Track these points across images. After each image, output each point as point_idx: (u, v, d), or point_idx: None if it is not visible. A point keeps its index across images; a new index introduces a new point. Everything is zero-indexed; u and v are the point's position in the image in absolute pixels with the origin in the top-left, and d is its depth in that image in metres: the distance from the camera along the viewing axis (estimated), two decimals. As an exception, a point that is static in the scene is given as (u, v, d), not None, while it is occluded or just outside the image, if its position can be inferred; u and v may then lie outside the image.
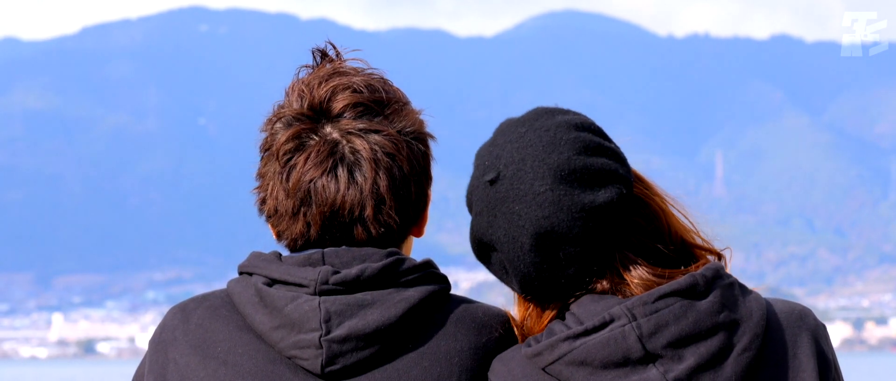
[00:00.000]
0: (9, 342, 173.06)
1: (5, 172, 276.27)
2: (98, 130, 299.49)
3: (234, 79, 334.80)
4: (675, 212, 2.34)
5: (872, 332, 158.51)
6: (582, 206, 2.22)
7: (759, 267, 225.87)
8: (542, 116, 2.30)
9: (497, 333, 2.35)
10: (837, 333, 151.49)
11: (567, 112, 2.32)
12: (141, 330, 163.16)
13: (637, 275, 2.26)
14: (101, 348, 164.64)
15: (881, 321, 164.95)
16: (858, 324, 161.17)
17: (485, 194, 2.29)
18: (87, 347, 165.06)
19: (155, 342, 2.38)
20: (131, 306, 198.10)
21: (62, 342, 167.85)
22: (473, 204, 2.33)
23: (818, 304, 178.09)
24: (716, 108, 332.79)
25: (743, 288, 2.26)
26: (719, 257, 2.35)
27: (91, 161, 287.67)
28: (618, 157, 2.29)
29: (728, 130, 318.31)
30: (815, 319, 2.32)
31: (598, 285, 2.27)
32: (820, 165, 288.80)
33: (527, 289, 2.30)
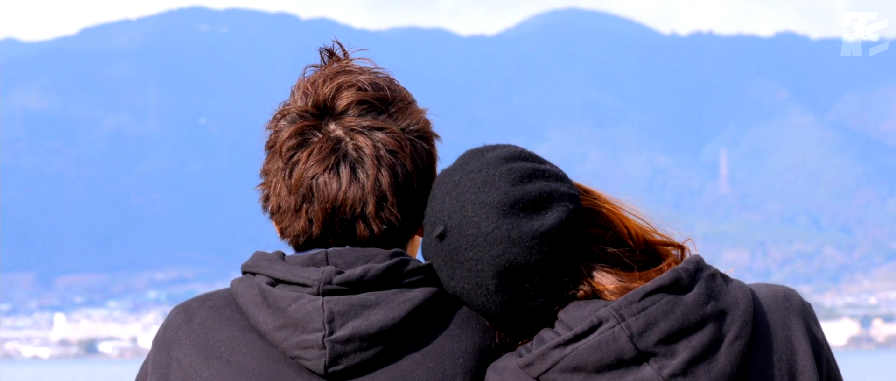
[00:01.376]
0: (11, 341, 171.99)
1: (6, 172, 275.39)
2: (99, 131, 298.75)
3: (235, 78, 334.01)
4: (628, 215, 2.33)
5: (880, 329, 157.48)
6: (532, 234, 2.21)
7: (764, 265, 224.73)
8: (472, 159, 2.30)
9: (501, 334, 2.33)
10: (845, 331, 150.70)
11: (495, 147, 2.32)
12: (143, 330, 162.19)
13: (610, 282, 2.25)
14: (104, 347, 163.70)
15: (889, 318, 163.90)
16: (866, 322, 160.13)
17: (439, 251, 2.28)
18: (89, 347, 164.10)
19: (158, 341, 2.36)
20: (133, 305, 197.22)
21: (64, 342, 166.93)
22: (432, 262, 2.32)
23: (825, 302, 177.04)
24: (720, 105, 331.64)
25: (725, 277, 2.27)
26: (682, 249, 2.35)
27: (92, 161, 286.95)
28: (557, 176, 2.28)
29: (732, 128, 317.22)
30: (801, 299, 2.32)
31: (581, 291, 2.26)
32: (825, 162, 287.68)
33: (504, 328, 2.30)
